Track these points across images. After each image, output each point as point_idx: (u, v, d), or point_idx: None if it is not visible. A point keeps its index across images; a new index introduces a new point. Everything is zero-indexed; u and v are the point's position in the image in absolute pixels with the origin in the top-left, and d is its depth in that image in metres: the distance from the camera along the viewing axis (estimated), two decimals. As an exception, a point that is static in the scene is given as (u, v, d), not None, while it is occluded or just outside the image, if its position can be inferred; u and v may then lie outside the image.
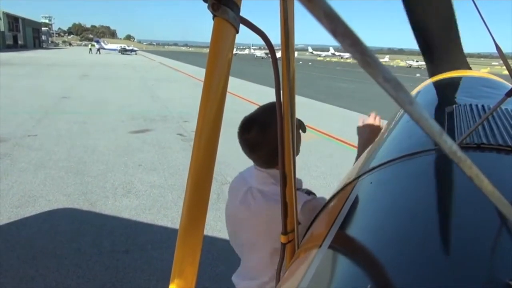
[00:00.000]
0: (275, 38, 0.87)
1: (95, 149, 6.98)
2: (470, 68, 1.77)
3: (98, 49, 72.30)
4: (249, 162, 1.51)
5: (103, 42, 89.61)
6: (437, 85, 1.61)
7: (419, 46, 1.73)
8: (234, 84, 19.08)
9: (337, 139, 8.46)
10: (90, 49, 72.96)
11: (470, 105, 1.11)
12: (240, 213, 1.44)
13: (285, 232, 0.98)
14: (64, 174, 5.65)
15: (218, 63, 0.62)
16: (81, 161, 6.30)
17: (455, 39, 1.69)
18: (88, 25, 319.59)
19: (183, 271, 0.56)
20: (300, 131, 1.46)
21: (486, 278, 0.45)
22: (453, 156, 0.19)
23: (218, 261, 3.57)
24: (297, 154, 1.47)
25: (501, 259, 0.48)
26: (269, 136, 1.25)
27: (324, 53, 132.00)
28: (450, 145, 0.18)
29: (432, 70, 1.78)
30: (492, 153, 0.80)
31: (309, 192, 1.38)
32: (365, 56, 0.17)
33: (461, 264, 0.48)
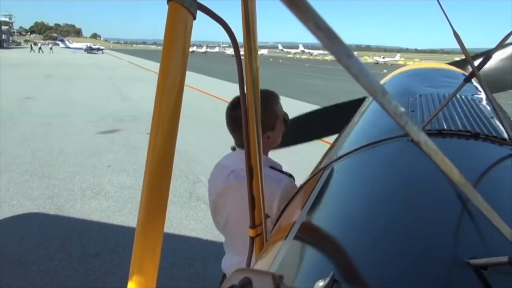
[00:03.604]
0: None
1: (62, 151, 6.74)
2: None
3: (51, 48, 63.75)
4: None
5: (68, 41, 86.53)
6: (401, 77, 1.64)
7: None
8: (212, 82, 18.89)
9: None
10: (31, 47, 64.07)
11: (431, 94, 1.14)
12: (224, 194, 1.51)
13: (253, 226, 0.95)
14: (28, 178, 5.42)
15: (174, 53, 0.56)
16: (47, 163, 6.06)
17: None
18: (52, 24, 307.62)
19: (143, 269, 0.53)
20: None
21: (448, 258, 0.46)
22: (398, 119, 0.18)
23: (193, 260, 3.53)
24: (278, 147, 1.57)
25: (461, 239, 0.49)
26: None
27: (294, 50, 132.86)
28: (394, 106, 0.17)
29: None
30: (453, 139, 0.82)
31: (290, 175, 1.50)
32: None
33: (423, 247, 0.48)
